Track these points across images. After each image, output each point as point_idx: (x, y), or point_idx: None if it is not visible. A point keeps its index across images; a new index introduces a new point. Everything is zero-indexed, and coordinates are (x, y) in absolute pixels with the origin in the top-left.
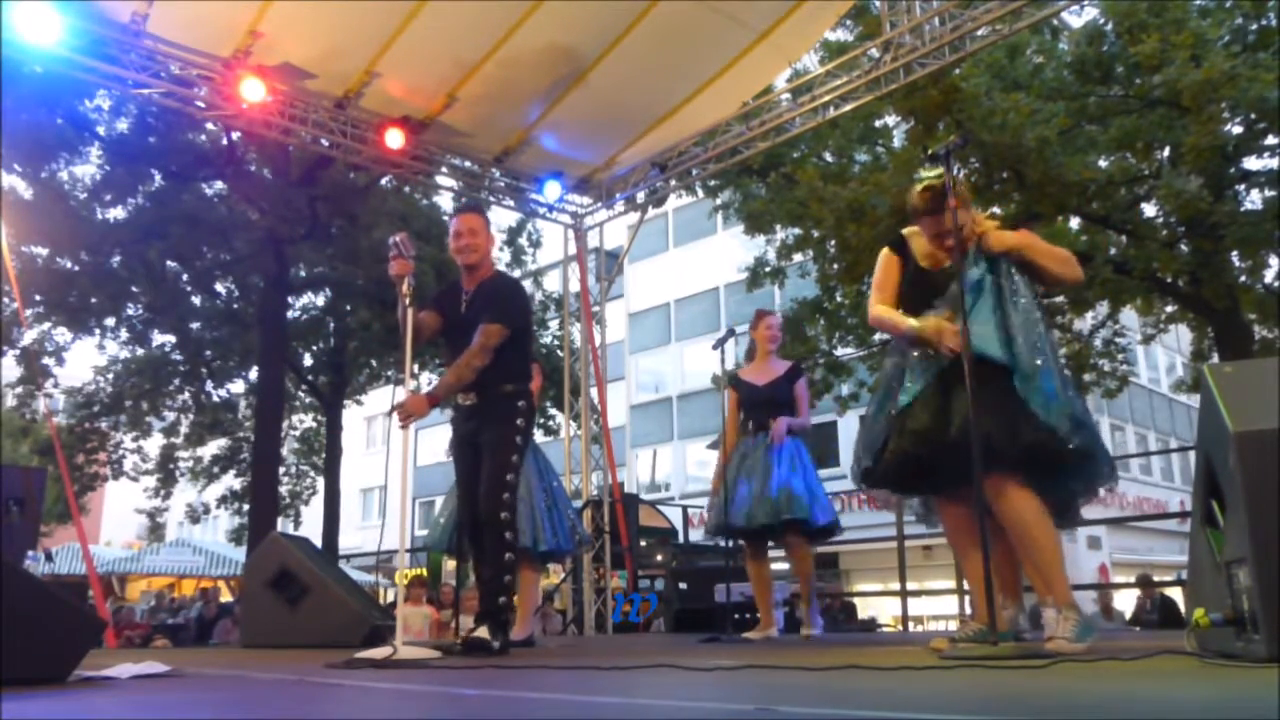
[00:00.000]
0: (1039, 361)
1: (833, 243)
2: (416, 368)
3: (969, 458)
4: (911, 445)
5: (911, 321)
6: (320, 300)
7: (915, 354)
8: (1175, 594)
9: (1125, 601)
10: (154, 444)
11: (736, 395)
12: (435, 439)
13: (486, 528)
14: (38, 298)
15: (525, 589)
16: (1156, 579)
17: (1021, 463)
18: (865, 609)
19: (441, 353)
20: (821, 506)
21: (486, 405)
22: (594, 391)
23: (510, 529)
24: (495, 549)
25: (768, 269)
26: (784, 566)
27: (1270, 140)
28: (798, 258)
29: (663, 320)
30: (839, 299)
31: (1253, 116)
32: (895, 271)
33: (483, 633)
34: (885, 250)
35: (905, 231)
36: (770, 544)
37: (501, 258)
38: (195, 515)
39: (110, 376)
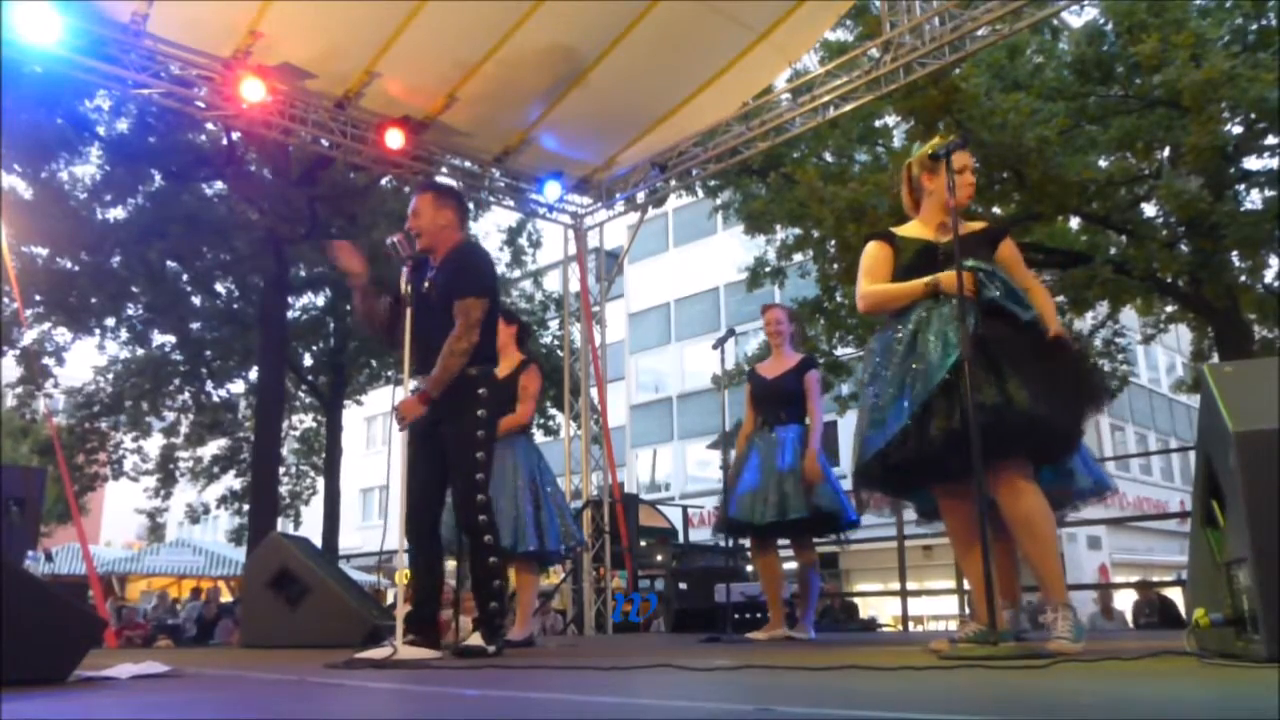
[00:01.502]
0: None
1: (833, 243)
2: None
3: (1033, 434)
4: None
5: (919, 280)
6: (320, 300)
7: (932, 333)
8: (1173, 594)
9: (1125, 601)
10: (154, 444)
11: (750, 388)
12: None
13: (468, 537)
14: (38, 298)
15: (522, 590)
16: (1156, 579)
17: (1035, 454)
18: (865, 609)
19: (414, 345)
20: (827, 496)
21: (448, 392)
22: (594, 391)
23: (490, 531)
24: (479, 555)
25: (768, 269)
26: (794, 566)
27: (1270, 140)
28: (798, 258)
29: (663, 320)
30: (839, 299)
31: (1253, 116)
32: (887, 260)
33: (476, 639)
34: (873, 242)
35: (895, 229)
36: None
37: (502, 257)
38: (195, 515)
39: (110, 376)
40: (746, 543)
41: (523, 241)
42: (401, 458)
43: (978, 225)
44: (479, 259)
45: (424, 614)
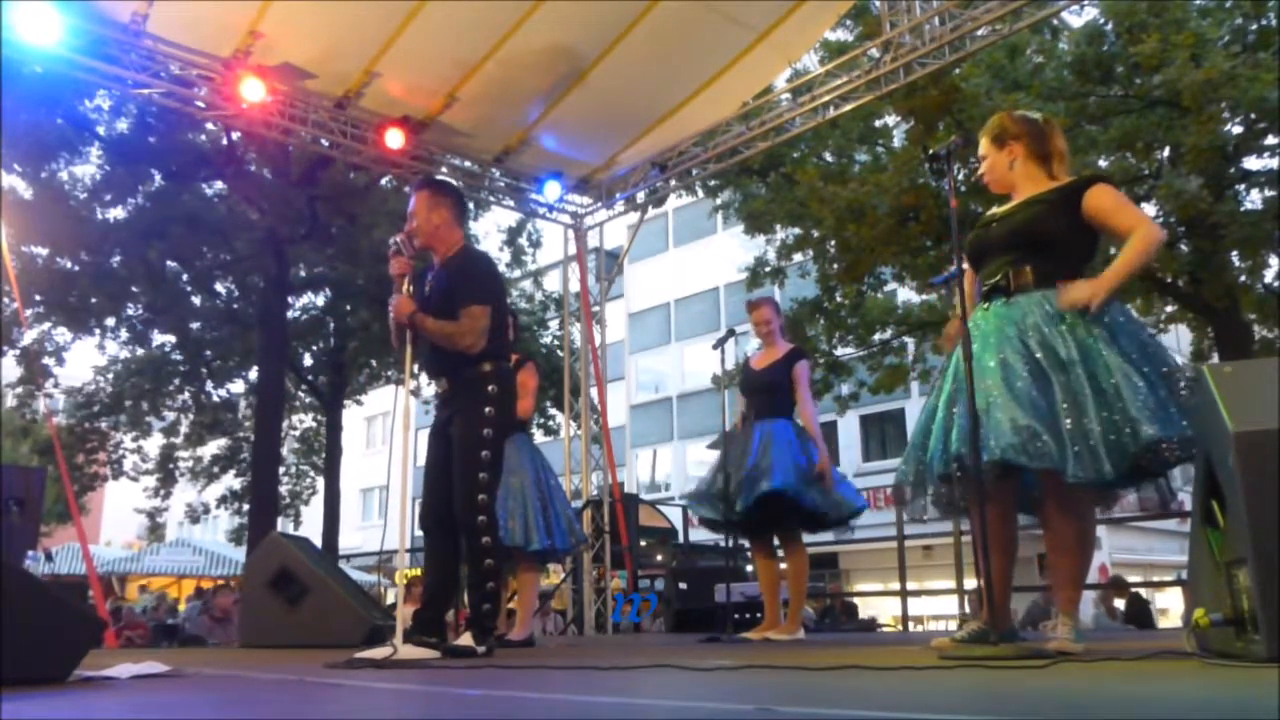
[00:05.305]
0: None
1: (833, 243)
2: (416, 367)
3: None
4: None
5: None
6: (320, 300)
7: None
8: (1153, 594)
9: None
10: (154, 444)
11: (740, 379)
12: None
13: (466, 537)
14: (38, 298)
15: (524, 589)
16: (1101, 584)
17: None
18: (865, 609)
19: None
20: (795, 485)
21: (458, 390)
22: (594, 391)
23: (488, 533)
24: (476, 556)
25: (768, 269)
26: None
27: (1270, 140)
28: (798, 258)
29: (663, 320)
30: (839, 299)
31: (1253, 116)
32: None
33: (466, 639)
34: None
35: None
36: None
37: (502, 257)
38: (195, 515)
39: (110, 376)
40: (747, 542)
41: (523, 241)
42: (403, 458)
43: (1055, 183)
44: (480, 266)
45: (433, 613)
